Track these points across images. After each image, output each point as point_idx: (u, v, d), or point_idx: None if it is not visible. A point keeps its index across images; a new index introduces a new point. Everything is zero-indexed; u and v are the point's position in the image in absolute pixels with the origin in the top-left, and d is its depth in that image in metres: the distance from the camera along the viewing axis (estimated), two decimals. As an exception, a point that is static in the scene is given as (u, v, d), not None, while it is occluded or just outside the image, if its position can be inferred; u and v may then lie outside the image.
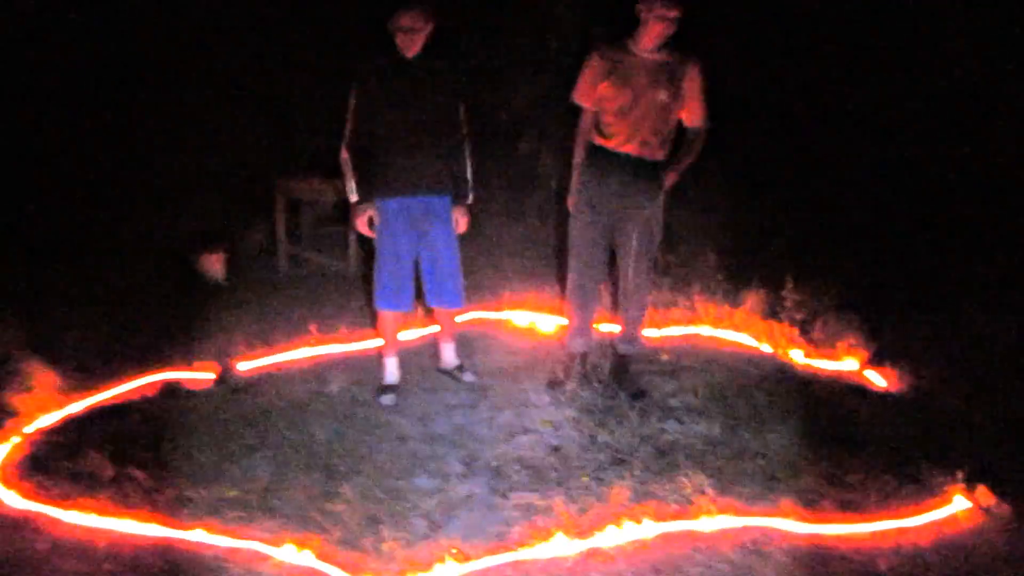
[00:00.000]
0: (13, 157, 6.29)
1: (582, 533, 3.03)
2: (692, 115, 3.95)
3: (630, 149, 3.95)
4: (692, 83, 3.88)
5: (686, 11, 3.78)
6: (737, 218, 5.43)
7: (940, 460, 3.44)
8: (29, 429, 3.88)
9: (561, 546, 2.96)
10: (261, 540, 3.01)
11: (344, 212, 6.70)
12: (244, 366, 4.63)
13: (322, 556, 2.92)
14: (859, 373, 4.48)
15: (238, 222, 6.73)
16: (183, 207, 6.62)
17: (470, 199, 4.10)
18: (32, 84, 6.42)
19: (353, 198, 3.91)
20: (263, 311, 5.52)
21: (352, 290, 5.91)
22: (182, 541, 3.03)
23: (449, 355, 4.36)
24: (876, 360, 4.49)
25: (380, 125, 3.91)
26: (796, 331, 4.76)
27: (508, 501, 3.22)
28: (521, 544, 2.98)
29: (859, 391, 4.28)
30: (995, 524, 3.09)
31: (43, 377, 4.21)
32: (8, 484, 3.39)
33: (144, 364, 4.57)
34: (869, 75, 6.09)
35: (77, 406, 4.13)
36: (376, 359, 4.41)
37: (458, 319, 4.54)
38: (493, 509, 3.18)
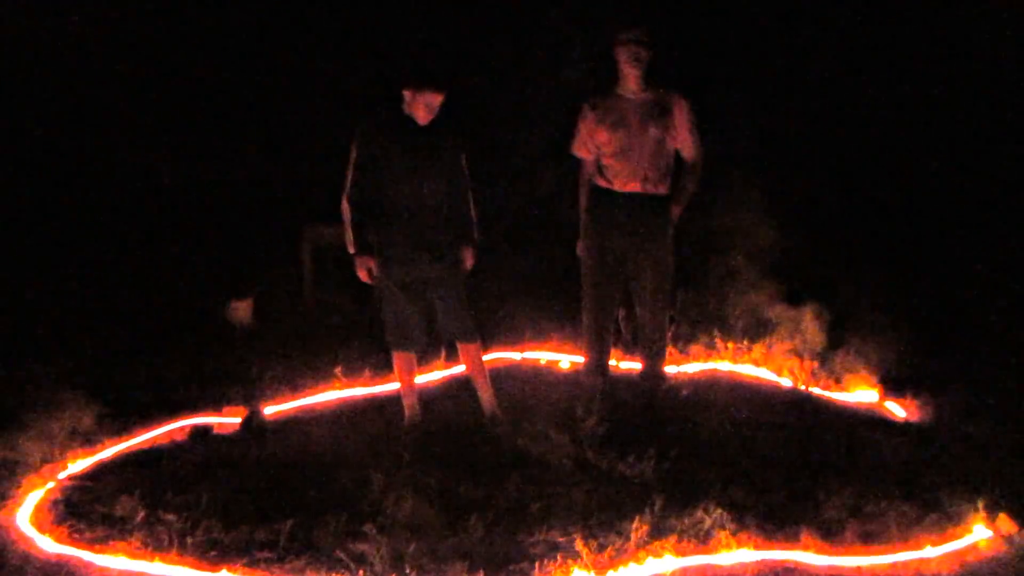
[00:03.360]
0: (47, 209, 6.52)
1: (602, 569, 3.06)
2: (685, 147, 4.07)
3: (634, 187, 4.06)
4: (680, 116, 4.00)
5: (652, 45, 3.91)
6: (755, 249, 5.51)
7: (961, 489, 3.44)
8: (62, 475, 3.99)
9: (582, 581, 3.00)
10: (289, 580, 3.08)
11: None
12: (271, 410, 4.74)
13: (348, 595, 2.98)
14: (879, 404, 4.49)
15: (265, 269, 6.89)
16: (211, 255, 6.79)
17: (475, 238, 4.18)
18: (61, 138, 6.68)
19: (352, 249, 4.03)
20: (290, 355, 5.62)
21: (378, 333, 6.01)
22: (212, 583, 3.10)
23: (484, 399, 4.36)
24: (895, 391, 4.50)
25: (384, 187, 4.02)
26: (816, 364, 4.79)
27: (530, 538, 3.26)
28: (544, 578, 3.02)
29: (879, 422, 4.30)
30: (1017, 552, 3.08)
31: (77, 422, 4.35)
32: (42, 529, 3.49)
33: (174, 409, 4.69)
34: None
35: (109, 451, 4.25)
36: (398, 401, 4.48)
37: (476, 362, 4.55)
38: (515, 545, 3.22)
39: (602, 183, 4.15)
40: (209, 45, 6.65)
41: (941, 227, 5.84)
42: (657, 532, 3.25)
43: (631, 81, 4.01)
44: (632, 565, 3.09)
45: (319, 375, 5.18)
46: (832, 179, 5.75)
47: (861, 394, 4.55)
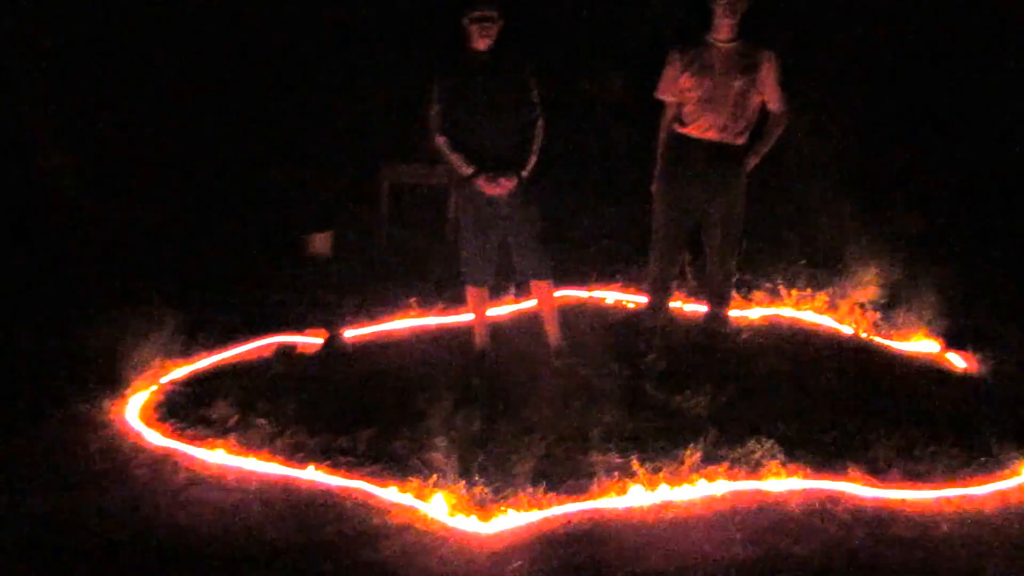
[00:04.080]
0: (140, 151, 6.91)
1: (655, 487, 3.28)
2: (771, 101, 4.13)
3: (712, 135, 4.16)
4: (768, 70, 4.06)
5: None
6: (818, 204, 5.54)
7: (1011, 438, 3.53)
8: (164, 380, 4.38)
9: (637, 497, 3.23)
10: (368, 481, 3.38)
11: (441, 197, 7.12)
12: (350, 334, 5.04)
13: (420, 497, 3.26)
14: (940, 355, 4.55)
15: (344, 205, 7.19)
16: (295, 191, 7.11)
17: (525, 171, 4.25)
18: (148, 82, 7.03)
19: (468, 170, 4.22)
20: (366, 286, 5.90)
21: (452, 268, 6.24)
22: (299, 479, 3.43)
23: (552, 334, 4.56)
24: (957, 343, 4.55)
25: (460, 120, 4.21)
26: (878, 315, 4.86)
27: (588, 458, 3.49)
28: (601, 494, 3.25)
29: (938, 372, 4.37)
30: (1060, 496, 3.19)
31: (177, 337, 4.72)
32: (149, 424, 3.88)
33: (260, 330, 5.03)
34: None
35: (203, 363, 4.62)
36: (469, 331, 4.73)
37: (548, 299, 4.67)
38: (575, 463, 3.47)
39: (681, 130, 4.25)
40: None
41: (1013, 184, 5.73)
42: (709, 460, 3.45)
43: (723, 30, 4.05)
44: (685, 486, 3.30)
45: (395, 305, 5.45)
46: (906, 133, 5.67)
47: (922, 344, 4.61)
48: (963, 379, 4.31)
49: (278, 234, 6.81)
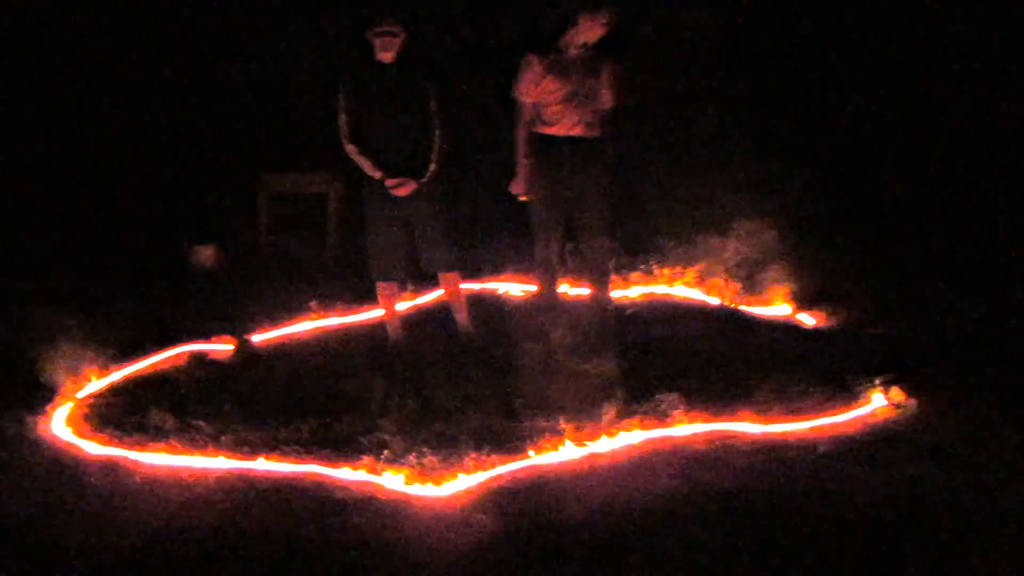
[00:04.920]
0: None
1: (581, 442, 3.72)
2: (610, 99, 4.66)
3: (577, 132, 4.64)
4: (607, 72, 4.59)
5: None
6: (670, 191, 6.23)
7: (861, 374, 4.22)
8: (81, 394, 4.39)
9: (568, 452, 3.65)
10: (320, 464, 3.62)
11: (318, 204, 7.30)
12: (258, 339, 5.18)
13: (373, 473, 3.54)
14: (792, 316, 5.28)
15: (225, 216, 7.22)
16: (175, 201, 7.08)
17: (424, 178, 4.57)
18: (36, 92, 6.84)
19: (377, 174, 4.50)
20: (256, 294, 6.00)
21: (332, 274, 6.44)
22: (252, 470, 3.61)
23: (461, 321, 4.93)
24: (806, 304, 5.30)
25: (365, 126, 4.53)
26: (738, 285, 5.55)
27: (519, 423, 3.89)
28: (537, 452, 3.65)
29: (793, 329, 5.09)
30: (905, 415, 3.90)
31: (84, 351, 4.70)
32: (84, 436, 3.92)
33: (161, 342, 5.07)
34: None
35: (118, 374, 4.65)
36: (377, 327, 5.01)
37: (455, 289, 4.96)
38: (508, 429, 3.86)
39: (545, 130, 4.69)
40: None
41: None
42: (623, 415, 3.93)
43: (581, 42, 4.57)
44: (605, 439, 3.76)
45: (294, 309, 5.62)
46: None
47: (777, 308, 5.33)
48: (814, 333, 5.05)
49: (161, 246, 6.79)
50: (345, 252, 6.92)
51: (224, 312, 5.64)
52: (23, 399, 4.26)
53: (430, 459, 3.58)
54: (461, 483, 3.45)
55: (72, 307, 5.28)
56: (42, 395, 4.32)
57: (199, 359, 4.90)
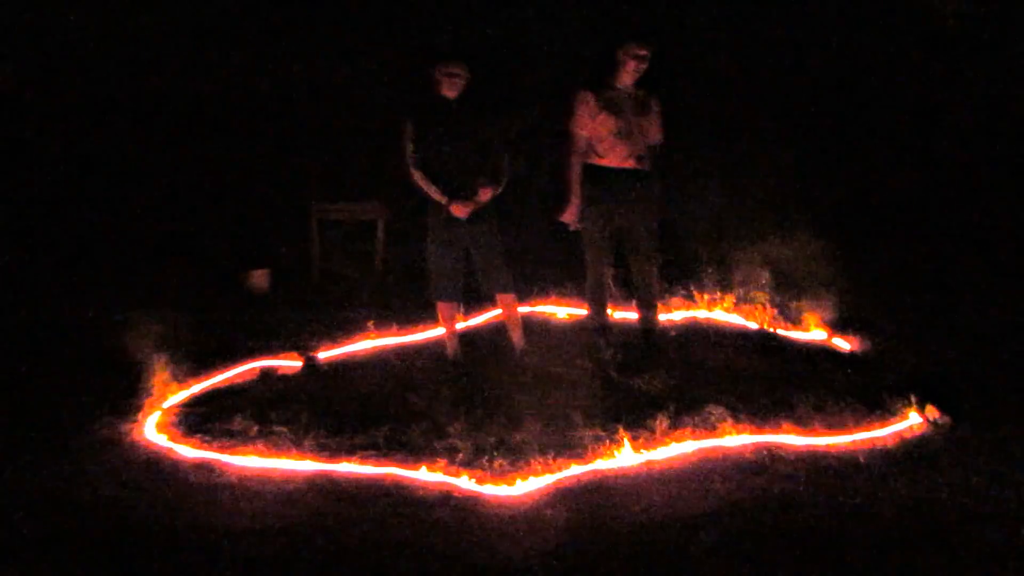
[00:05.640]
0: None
1: (639, 449, 4.02)
2: (656, 135, 5.01)
3: (629, 164, 4.98)
4: (657, 110, 4.96)
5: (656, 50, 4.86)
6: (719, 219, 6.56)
7: (896, 393, 4.50)
8: (166, 404, 4.72)
9: (626, 458, 3.95)
10: (398, 467, 3.92)
11: (367, 231, 7.68)
12: (323, 356, 5.51)
13: (449, 474, 3.85)
14: (828, 340, 5.57)
15: (278, 242, 7.61)
16: (231, 230, 7.48)
17: (498, 184, 4.94)
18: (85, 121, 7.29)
19: (443, 199, 4.85)
20: (313, 316, 6.35)
21: (381, 296, 6.78)
22: (336, 472, 3.92)
23: (515, 339, 5.25)
24: (840, 330, 5.59)
25: (430, 156, 4.88)
26: (775, 311, 5.85)
27: (578, 433, 4.19)
28: (596, 457, 3.95)
29: (830, 353, 5.37)
30: (939, 430, 4.17)
31: (160, 368, 5.05)
32: (175, 441, 4.24)
33: (229, 358, 5.40)
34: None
35: (197, 387, 4.98)
36: (431, 345, 5.35)
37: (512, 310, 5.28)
38: (568, 438, 4.15)
39: (598, 161, 5.03)
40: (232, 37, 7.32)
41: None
42: (674, 426, 4.23)
43: (629, 80, 4.94)
44: (660, 448, 4.06)
45: (351, 328, 5.95)
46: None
47: (814, 333, 5.62)
48: (849, 356, 5.33)
49: (217, 271, 7.17)
50: (392, 276, 7.30)
51: (284, 331, 5.97)
52: (112, 408, 4.61)
53: (499, 462, 3.88)
54: (531, 484, 3.75)
55: (144, 328, 5.67)
56: (129, 404, 4.66)
57: (269, 374, 5.22)
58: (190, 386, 4.98)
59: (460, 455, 3.94)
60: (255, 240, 7.63)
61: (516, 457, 3.94)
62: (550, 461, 3.90)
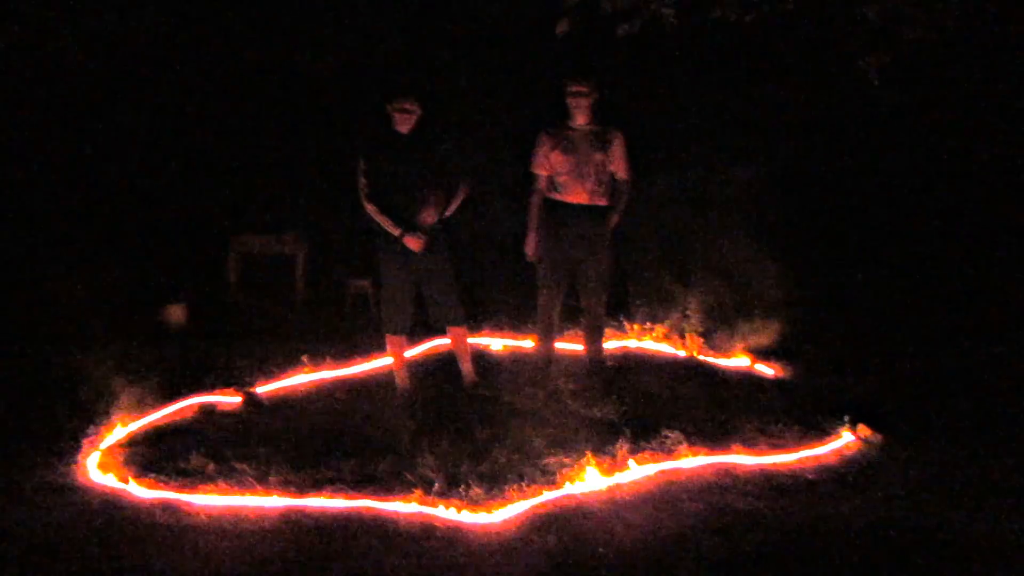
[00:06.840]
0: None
1: (606, 472, 4.15)
2: (620, 170, 5.21)
3: (582, 199, 5.18)
4: (617, 146, 5.17)
5: (593, 92, 5.06)
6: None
7: (828, 414, 4.83)
8: (104, 445, 4.49)
9: (595, 482, 4.07)
10: (372, 499, 3.89)
11: (285, 263, 7.56)
12: (261, 390, 5.38)
13: (425, 504, 3.85)
14: (751, 367, 5.90)
15: (195, 276, 7.36)
16: (146, 263, 7.19)
17: (442, 208, 4.99)
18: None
19: (397, 231, 4.87)
20: (235, 350, 6.18)
21: (301, 330, 6.68)
22: (307, 507, 3.84)
23: (465, 370, 5.31)
24: (763, 357, 5.93)
25: (383, 189, 4.92)
26: (701, 340, 6.15)
27: (543, 460, 4.27)
28: (567, 482, 4.05)
29: (755, 378, 5.69)
30: (872, 448, 4.51)
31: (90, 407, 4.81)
32: (127, 482, 4.04)
33: (160, 397, 5.18)
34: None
35: (133, 426, 4.76)
36: (378, 377, 5.33)
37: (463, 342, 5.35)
38: (534, 465, 4.23)
39: (557, 196, 5.21)
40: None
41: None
42: (634, 451, 4.38)
43: (582, 118, 5.14)
44: (626, 472, 4.20)
45: (283, 363, 5.84)
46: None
47: (739, 360, 5.95)
48: (774, 383, 5.66)
49: (132, 306, 6.85)
50: (312, 311, 7.20)
51: (213, 366, 5.78)
52: (49, 450, 4.35)
53: (475, 491, 3.91)
54: (509, 511, 3.80)
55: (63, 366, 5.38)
56: (63, 446, 4.41)
57: (210, 411, 5.05)
58: (127, 424, 4.75)
59: (435, 486, 3.95)
60: (172, 275, 7.35)
61: (491, 485, 3.99)
62: (524, 488, 3.97)
